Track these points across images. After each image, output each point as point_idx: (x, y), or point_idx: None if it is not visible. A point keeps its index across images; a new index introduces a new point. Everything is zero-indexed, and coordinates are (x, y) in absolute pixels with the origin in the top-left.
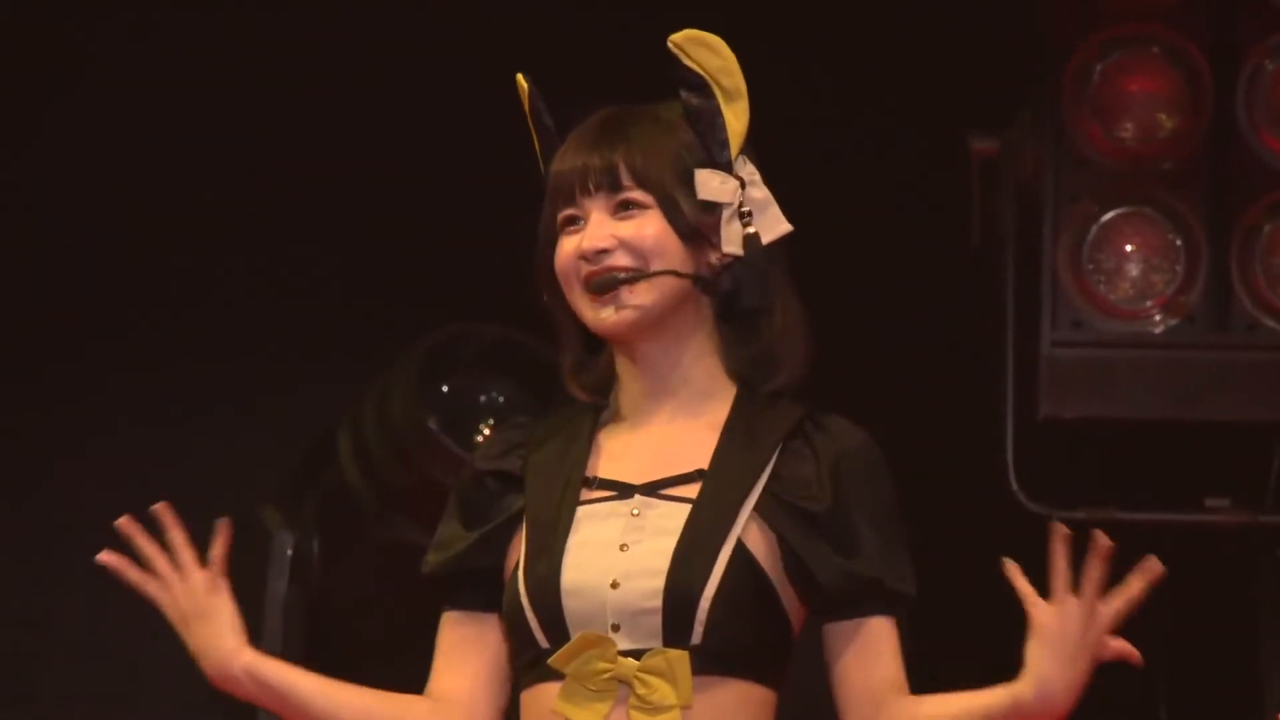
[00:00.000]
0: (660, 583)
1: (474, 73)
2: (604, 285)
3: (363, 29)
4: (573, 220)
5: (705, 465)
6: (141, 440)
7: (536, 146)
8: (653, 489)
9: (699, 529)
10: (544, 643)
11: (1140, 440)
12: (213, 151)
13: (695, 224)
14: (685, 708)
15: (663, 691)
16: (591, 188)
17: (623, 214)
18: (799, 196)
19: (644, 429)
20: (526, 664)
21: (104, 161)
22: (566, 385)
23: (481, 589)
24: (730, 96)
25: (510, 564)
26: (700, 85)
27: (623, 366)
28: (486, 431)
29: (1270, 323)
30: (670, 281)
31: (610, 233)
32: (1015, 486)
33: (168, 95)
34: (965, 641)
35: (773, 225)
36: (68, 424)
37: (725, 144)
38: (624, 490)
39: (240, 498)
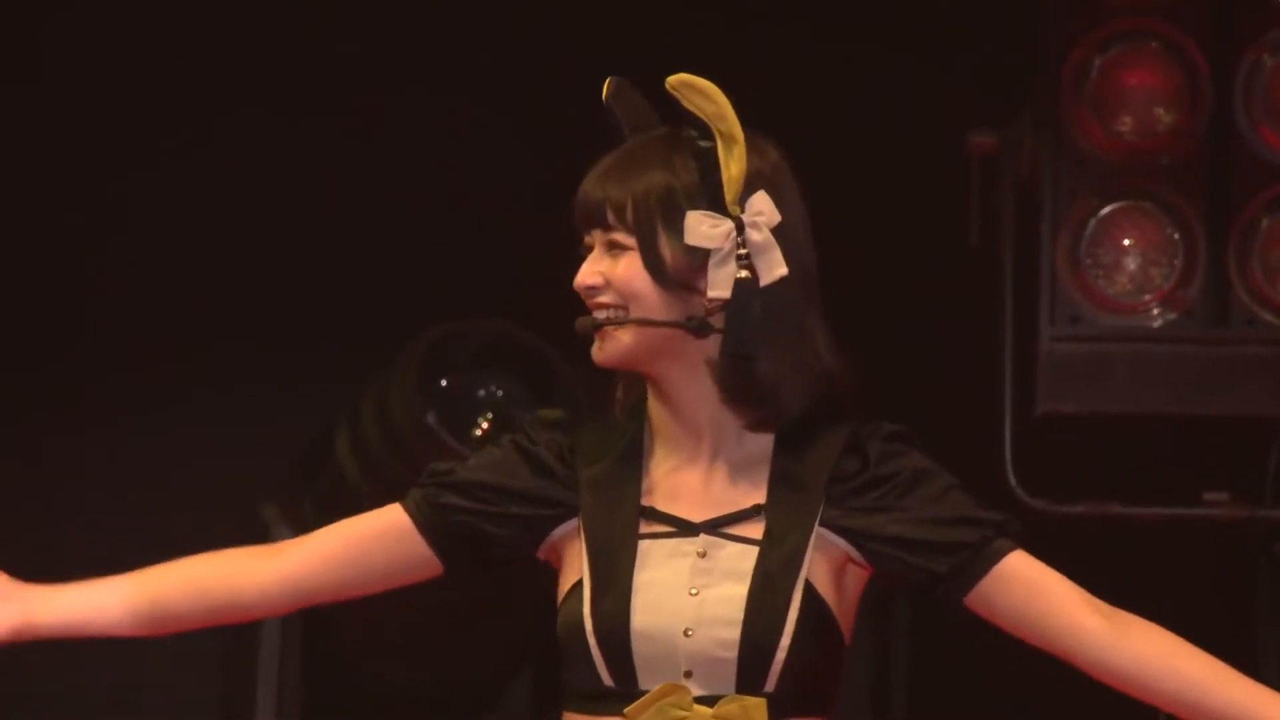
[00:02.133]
0: (735, 634)
1: (475, 72)
2: (583, 327)
3: (367, 26)
4: (589, 247)
5: (761, 500)
6: (140, 437)
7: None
8: (714, 527)
9: (769, 574)
10: (608, 681)
11: (1138, 435)
12: (212, 147)
13: (675, 269)
14: None
15: None
16: (589, 223)
17: (613, 252)
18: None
19: (690, 461)
20: (583, 693)
21: (104, 157)
22: (613, 401)
23: (453, 534)
24: (727, 141)
25: (564, 577)
26: (702, 127)
27: (650, 395)
28: (485, 426)
29: (1268, 317)
30: (647, 326)
31: (600, 270)
32: (1014, 482)
33: (166, 87)
34: (964, 640)
35: (770, 268)
36: (65, 421)
37: (720, 186)
38: (685, 527)
39: (239, 494)
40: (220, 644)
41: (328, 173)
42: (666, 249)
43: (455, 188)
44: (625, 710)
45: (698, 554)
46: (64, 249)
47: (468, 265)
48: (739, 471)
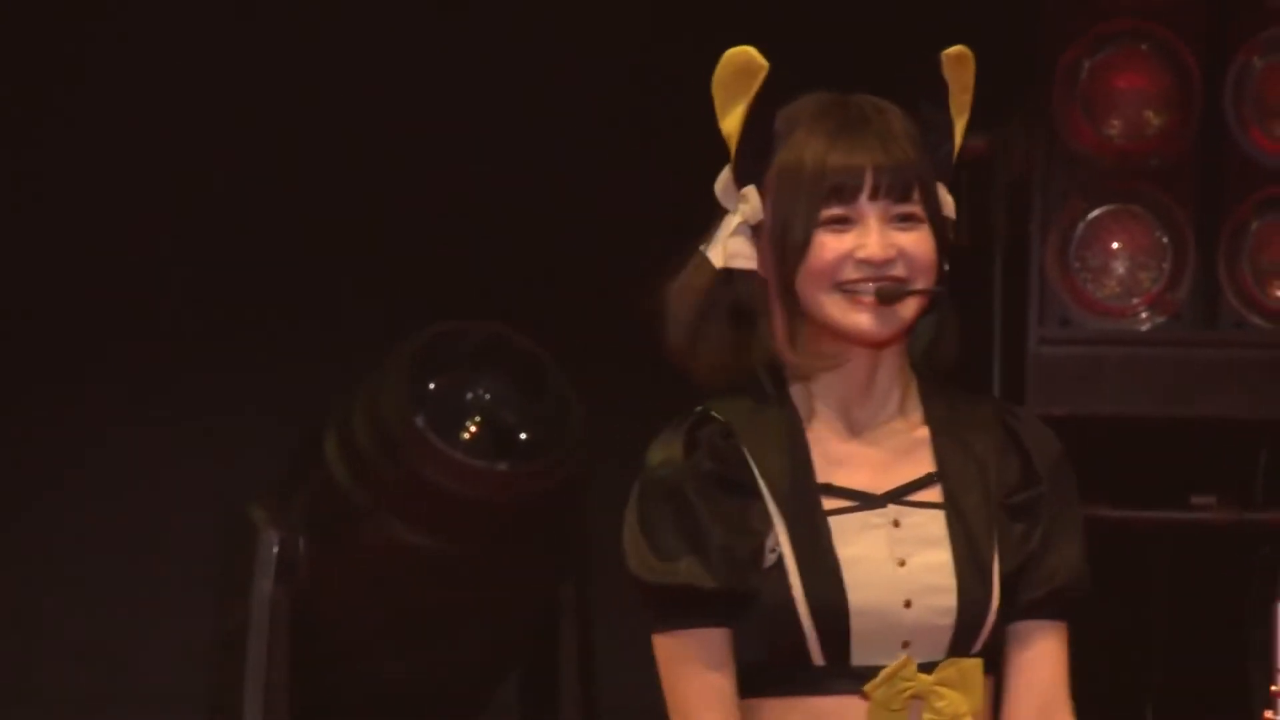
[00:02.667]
0: (952, 600)
1: (475, 72)
2: (893, 295)
3: (367, 25)
4: (841, 219)
5: (929, 467)
6: (133, 440)
7: (738, 132)
8: (897, 497)
9: (967, 538)
10: (819, 660)
11: (1127, 438)
12: (212, 147)
13: (944, 241)
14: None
15: (955, 702)
16: (879, 192)
17: (901, 224)
18: None
19: (853, 429)
20: (783, 675)
21: (101, 163)
22: (762, 369)
23: (722, 604)
24: (960, 112)
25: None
26: (943, 99)
27: (824, 366)
28: (473, 429)
29: (1257, 320)
30: (923, 298)
31: (892, 242)
32: None
33: (165, 86)
34: None
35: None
36: (62, 425)
37: (951, 158)
38: (868, 499)
39: (228, 496)
40: (208, 642)
41: (328, 173)
42: (942, 220)
43: (455, 188)
44: (864, 687)
45: (892, 524)
46: (64, 249)
47: (467, 265)
48: (901, 437)
